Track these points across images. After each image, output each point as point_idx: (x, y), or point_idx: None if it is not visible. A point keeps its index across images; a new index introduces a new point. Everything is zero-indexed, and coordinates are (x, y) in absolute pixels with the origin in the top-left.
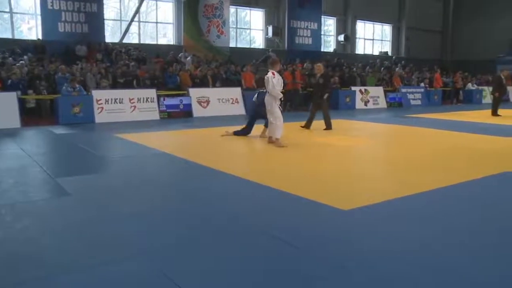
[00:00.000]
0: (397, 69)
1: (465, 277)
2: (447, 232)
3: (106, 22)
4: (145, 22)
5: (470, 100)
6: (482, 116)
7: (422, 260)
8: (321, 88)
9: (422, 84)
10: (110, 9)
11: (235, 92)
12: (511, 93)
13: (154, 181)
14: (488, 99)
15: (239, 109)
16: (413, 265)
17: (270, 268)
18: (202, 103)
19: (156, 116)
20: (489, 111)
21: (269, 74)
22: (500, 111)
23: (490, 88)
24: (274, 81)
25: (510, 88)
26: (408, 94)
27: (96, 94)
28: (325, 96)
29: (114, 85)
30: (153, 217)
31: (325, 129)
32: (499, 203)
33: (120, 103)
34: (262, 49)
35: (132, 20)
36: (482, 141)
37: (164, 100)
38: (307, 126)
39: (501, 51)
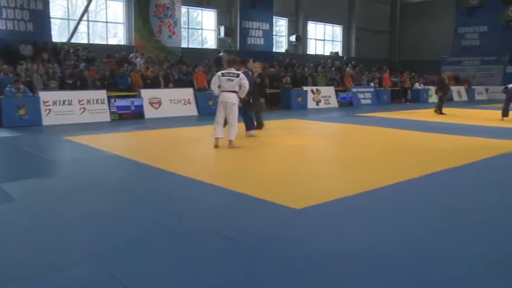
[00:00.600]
0: (347, 69)
1: (413, 274)
2: (396, 229)
3: (52, 20)
4: (95, 21)
5: (418, 99)
6: (428, 114)
7: (372, 257)
8: (257, 88)
9: (372, 84)
10: (56, 7)
11: (187, 93)
12: (454, 92)
13: (104, 183)
14: (434, 98)
15: (192, 110)
16: (363, 263)
17: (222, 268)
18: (154, 104)
19: (106, 117)
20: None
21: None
22: (444, 110)
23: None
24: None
25: (453, 87)
26: (358, 94)
27: (43, 95)
28: (262, 100)
29: (63, 86)
30: (102, 220)
31: (250, 130)
32: (445, 199)
33: (69, 104)
34: (214, 49)
35: (80, 19)
36: (429, 139)
37: (115, 101)
38: (259, 127)
39: (445, 52)
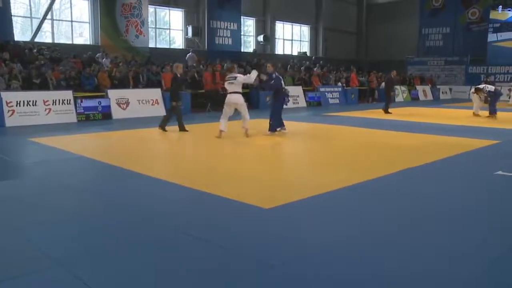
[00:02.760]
0: (315, 69)
1: (380, 270)
2: (363, 226)
3: (14, 18)
4: (59, 20)
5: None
6: (395, 114)
7: (341, 254)
8: (173, 91)
9: (339, 84)
10: (18, 5)
11: (155, 93)
12: (420, 92)
13: (71, 186)
14: (400, 97)
15: (160, 110)
16: (332, 260)
17: (192, 268)
18: (121, 105)
19: (73, 118)
20: (403, 109)
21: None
22: (411, 109)
23: (402, 87)
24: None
25: (418, 87)
26: (326, 93)
27: (6, 96)
28: (179, 103)
29: (26, 87)
30: (69, 223)
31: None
32: (411, 195)
33: (33, 105)
34: (182, 49)
35: (44, 18)
36: (396, 138)
37: (81, 102)
38: (162, 127)
39: (411, 52)
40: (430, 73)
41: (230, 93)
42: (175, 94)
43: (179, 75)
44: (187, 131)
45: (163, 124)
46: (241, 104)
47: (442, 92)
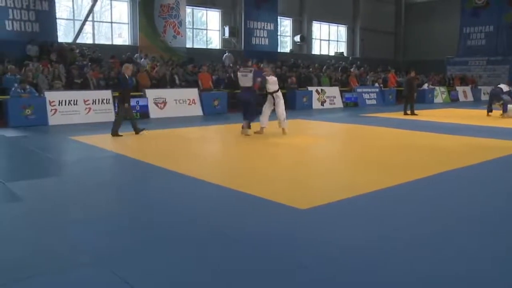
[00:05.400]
0: (352, 69)
1: (417, 273)
2: (402, 229)
3: (58, 21)
4: (100, 22)
5: (423, 100)
6: (434, 115)
7: (378, 257)
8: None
9: (376, 84)
10: (62, 8)
11: (192, 93)
12: (460, 93)
13: (109, 184)
14: (439, 98)
15: (197, 110)
16: (368, 262)
17: (226, 268)
18: (159, 104)
19: (112, 117)
20: (441, 110)
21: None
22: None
23: (441, 88)
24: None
25: (459, 88)
26: (363, 94)
27: (49, 95)
28: (126, 105)
29: (68, 86)
30: (108, 221)
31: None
32: (453, 198)
33: (74, 104)
34: (219, 49)
35: (86, 20)
36: (432, 139)
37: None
38: (115, 132)
39: (451, 52)
40: (471, 74)
41: (242, 88)
42: (126, 96)
43: (127, 76)
44: (142, 130)
45: (115, 128)
46: (248, 104)
47: (484, 93)
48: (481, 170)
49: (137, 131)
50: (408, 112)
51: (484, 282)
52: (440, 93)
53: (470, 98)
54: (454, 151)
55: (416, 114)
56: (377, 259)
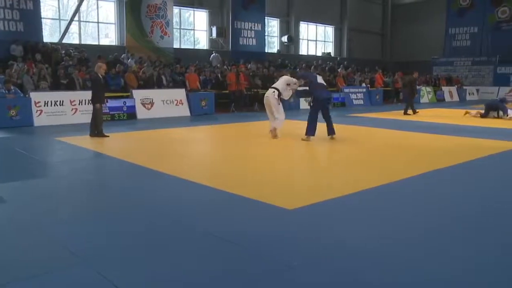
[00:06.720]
0: (339, 69)
1: (405, 273)
2: (389, 229)
3: (43, 21)
4: (86, 21)
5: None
6: (421, 115)
7: (366, 257)
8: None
9: (364, 85)
10: (47, 7)
11: (180, 94)
12: (446, 93)
13: (95, 185)
14: (426, 98)
15: (184, 111)
16: (357, 262)
17: (214, 269)
18: (146, 105)
19: None
20: (428, 110)
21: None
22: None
23: (427, 88)
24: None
25: (445, 88)
26: (350, 94)
27: (35, 96)
28: (97, 105)
29: (54, 87)
30: (95, 221)
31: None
32: (440, 197)
33: (60, 105)
34: (206, 50)
35: (72, 20)
36: (420, 139)
37: (106, 102)
38: (95, 133)
39: (437, 53)
40: (457, 74)
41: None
42: (98, 96)
43: (101, 76)
44: (106, 135)
45: (97, 129)
46: (270, 99)
47: (469, 93)
48: (472, 168)
49: (98, 134)
50: (409, 112)
51: (479, 281)
52: (427, 93)
53: (456, 98)
54: (443, 150)
55: (417, 112)
56: (366, 259)
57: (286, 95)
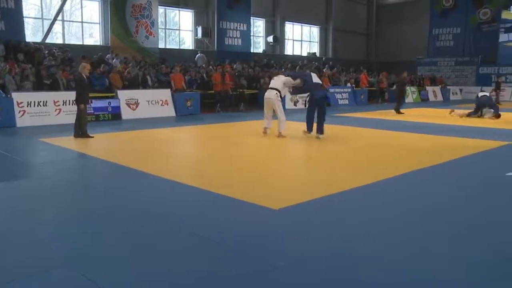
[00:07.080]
0: (325, 69)
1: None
2: (373, 228)
3: (26, 20)
4: (70, 21)
5: (395, 100)
6: (406, 115)
7: (352, 257)
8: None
9: (349, 84)
10: (29, 6)
11: (165, 94)
12: (430, 93)
13: (80, 186)
14: (410, 98)
15: (169, 111)
16: (343, 262)
17: (200, 269)
18: (131, 105)
19: None
20: (413, 110)
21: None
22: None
23: (412, 88)
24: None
25: (429, 88)
26: (336, 94)
27: (17, 96)
28: (81, 106)
29: (37, 87)
30: (79, 222)
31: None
32: (423, 197)
33: (44, 105)
34: (191, 50)
35: (55, 19)
36: (404, 139)
37: (91, 102)
38: (79, 133)
39: (421, 53)
40: (441, 74)
41: (268, 88)
42: (82, 97)
43: (85, 76)
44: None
45: (81, 130)
46: (274, 100)
47: (453, 93)
48: (455, 167)
49: (82, 135)
50: (401, 111)
51: (462, 281)
52: (411, 93)
53: (440, 98)
54: (427, 150)
55: (402, 113)
56: (351, 258)
57: (283, 93)
